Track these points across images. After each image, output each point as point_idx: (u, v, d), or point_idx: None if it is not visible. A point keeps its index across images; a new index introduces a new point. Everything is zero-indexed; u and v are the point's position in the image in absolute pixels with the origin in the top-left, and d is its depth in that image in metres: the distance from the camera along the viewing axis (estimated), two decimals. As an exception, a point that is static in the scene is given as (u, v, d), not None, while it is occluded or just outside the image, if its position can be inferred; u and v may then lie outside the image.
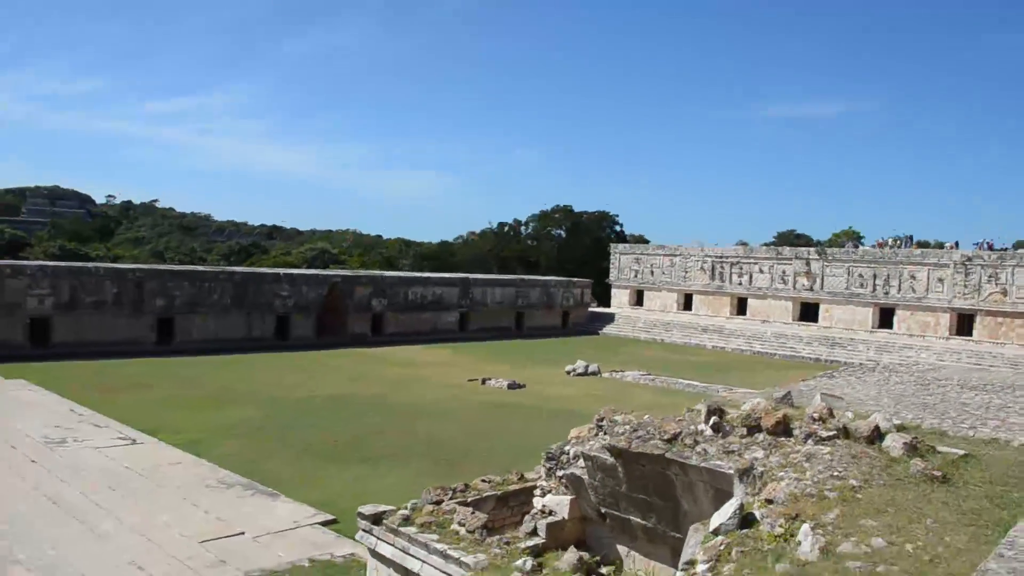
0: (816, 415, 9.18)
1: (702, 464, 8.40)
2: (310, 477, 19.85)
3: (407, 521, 9.89)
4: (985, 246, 55.26)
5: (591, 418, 25.28)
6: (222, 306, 45.98)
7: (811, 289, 59.05)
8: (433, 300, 56.65)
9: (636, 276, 70.90)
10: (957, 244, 58.20)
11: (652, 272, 69.61)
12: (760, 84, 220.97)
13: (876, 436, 9.05)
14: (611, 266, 73.34)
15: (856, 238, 75.78)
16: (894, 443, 8.91)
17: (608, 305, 73.26)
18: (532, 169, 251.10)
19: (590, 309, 69.91)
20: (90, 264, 46.92)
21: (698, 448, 8.80)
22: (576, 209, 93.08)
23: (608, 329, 65.41)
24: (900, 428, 9.84)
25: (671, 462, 8.65)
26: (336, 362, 40.97)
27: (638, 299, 71.10)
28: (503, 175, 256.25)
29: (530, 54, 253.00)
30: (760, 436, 8.95)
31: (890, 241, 60.99)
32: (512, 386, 34.42)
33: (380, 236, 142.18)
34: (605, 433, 9.79)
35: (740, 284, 63.48)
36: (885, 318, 55.81)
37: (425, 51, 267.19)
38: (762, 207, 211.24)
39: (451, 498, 10.32)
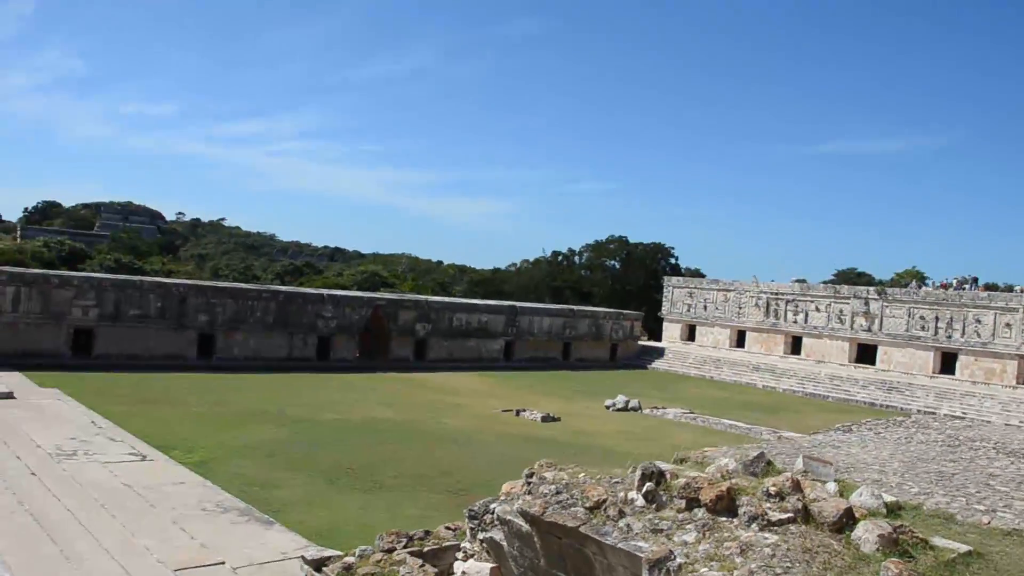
0: (773, 489, 7.36)
1: (618, 544, 6.89)
2: (316, 503, 19.14)
3: (349, 570, 8.94)
4: (1057, 291, 52.57)
5: (622, 457, 24.08)
6: (264, 324, 45.89)
7: (869, 330, 56.86)
8: (478, 327, 55.90)
9: (689, 311, 69.31)
10: (1028, 288, 55.49)
11: (705, 307, 67.98)
12: (822, 119, 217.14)
13: (847, 522, 7.10)
14: (664, 299, 71.87)
15: (920, 278, 73.02)
16: (867, 534, 6.90)
17: (660, 339, 71.71)
18: (591, 198, 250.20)
19: (640, 343, 68.44)
20: (135, 277, 47.20)
21: (622, 523, 7.29)
22: (631, 240, 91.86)
23: (657, 364, 63.90)
24: (892, 509, 7.95)
25: (587, 538, 7.23)
26: (374, 386, 40.41)
27: (690, 334, 69.45)
28: (563, 204, 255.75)
29: (595, 84, 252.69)
30: (699, 512, 7.29)
31: (954, 282, 58.50)
32: (546, 419, 33.39)
33: (441, 262, 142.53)
34: (530, 492, 8.49)
35: (795, 322, 61.52)
36: (947, 363, 53.32)
37: (491, 78, 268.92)
38: (822, 244, 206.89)
39: (406, 546, 9.31)
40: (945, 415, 43.83)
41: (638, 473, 7.92)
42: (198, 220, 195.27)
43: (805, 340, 60.87)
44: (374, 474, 22.40)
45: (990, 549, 7.71)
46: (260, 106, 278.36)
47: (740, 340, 65.45)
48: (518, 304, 61.53)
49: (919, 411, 45.45)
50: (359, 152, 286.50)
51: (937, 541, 7.38)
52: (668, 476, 7.64)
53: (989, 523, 8.76)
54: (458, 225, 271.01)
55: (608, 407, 38.74)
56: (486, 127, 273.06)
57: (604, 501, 7.62)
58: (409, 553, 9.09)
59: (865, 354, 57.48)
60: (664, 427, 34.40)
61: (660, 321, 72.28)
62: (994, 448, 14.35)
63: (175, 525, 15.76)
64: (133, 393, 31.88)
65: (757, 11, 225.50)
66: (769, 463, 8.50)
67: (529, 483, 8.69)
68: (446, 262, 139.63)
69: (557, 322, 61.17)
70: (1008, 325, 50.47)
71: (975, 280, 58.37)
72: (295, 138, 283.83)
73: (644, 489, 7.73)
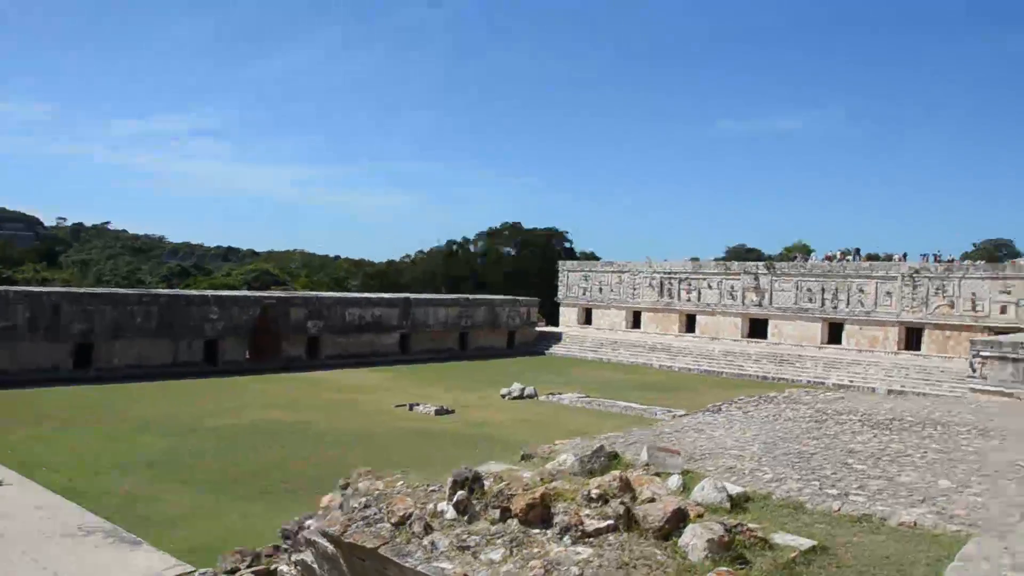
0: (597, 492, 6.60)
1: (419, 567, 6.05)
2: (197, 516, 18.12)
3: (186, 596, 8.25)
4: (932, 258, 54.76)
5: (516, 445, 23.48)
6: (146, 330, 43.86)
7: (760, 305, 58.13)
8: (372, 321, 54.85)
9: (584, 294, 69.67)
10: (905, 256, 57.62)
11: (600, 289, 68.41)
12: (710, 98, 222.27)
13: (676, 525, 6.33)
14: (559, 284, 72.04)
15: (807, 252, 75.11)
16: (696, 539, 6.14)
17: (557, 324, 71.91)
18: (484, 187, 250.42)
19: (538, 328, 68.44)
20: (0, 288, 44.50)
21: (427, 540, 6.43)
22: (526, 226, 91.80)
23: (555, 349, 64.00)
24: (737, 502, 7.31)
25: (388, 561, 6.38)
26: (265, 388, 39.09)
27: (587, 317, 69.84)
28: (457, 194, 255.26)
29: (482, 72, 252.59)
30: (512, 524, 6.47)
31: (838, 254, 60.30)
32: (440, 411, 32.81)
33: (338, 256, 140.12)
34: (341, 507, 7.73)
35: (689, 301, 62.44)
36: (834, 333, 54.96)
37: (383, 71, 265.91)
38: (714, 222, 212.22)
39: (250, 565, 8.62)
40: (834, 384, 45.18)
41: (449, 480, 7.06)
42: (81, 225, 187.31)
43: (699, 318, 61.85)
44: (261, 480, 21.49)
45: (836, 541, 7.24)
46: (148, 105, 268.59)
47: (636, 321, 66.10)
48: (412, 296, 60.63)
49: (809, 382, 46.72)
50: (251, 149, 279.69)
51: (778, 539, 6.81)
52: (489, 482, 6.90)
53: (839, 509, 8.35)
54: (353, 219, 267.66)
55: (504, 396, 38.41)
56: (378, 120, 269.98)
57: (410, 516, 6.78)
58: (253, 573, 8.37)
59: (757, 328, 58.76)
60: (559, 413, 34.24)
61: (557, 306, 72.46)
62: (860, 421, 14.13)
63: (25, 556, 14.56)
64: (-1, 412, 29.93)
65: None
66: (614, 456, 7.81)
67: (344, 495, 7.94)
68: (342, 257, 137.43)
69: (453, 312, 60.58)
70: (888, 293, 52.29)
71: (857, 251, 60.36)
72: (186, 136, 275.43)
73: (455, 499, 6.91)
